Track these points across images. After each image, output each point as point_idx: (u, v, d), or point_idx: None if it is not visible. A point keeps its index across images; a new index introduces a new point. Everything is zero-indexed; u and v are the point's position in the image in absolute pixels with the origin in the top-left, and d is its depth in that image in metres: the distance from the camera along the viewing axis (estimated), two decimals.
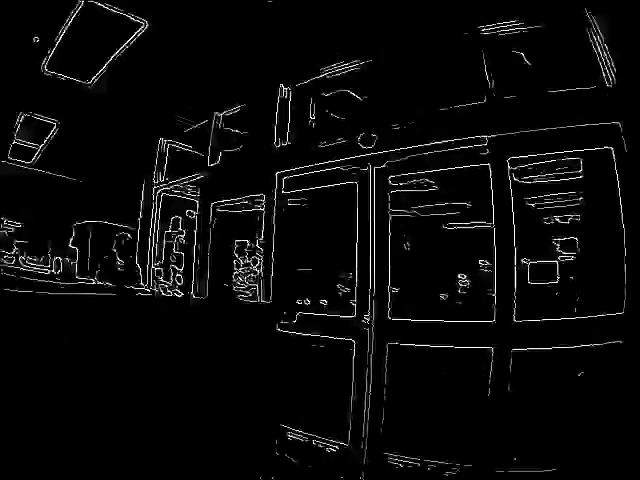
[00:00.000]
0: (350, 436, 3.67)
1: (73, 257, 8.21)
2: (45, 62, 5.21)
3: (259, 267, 4.37)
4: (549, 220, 3.30)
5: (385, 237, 3.68)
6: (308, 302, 4.08)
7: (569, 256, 3.20)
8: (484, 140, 3.34)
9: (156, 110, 6.56)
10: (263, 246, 4.32)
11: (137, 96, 6.14)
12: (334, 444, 3.74)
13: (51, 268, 7.91)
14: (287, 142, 4.73)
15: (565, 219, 3.27)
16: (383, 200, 3.72)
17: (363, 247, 3.75)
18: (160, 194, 6.78)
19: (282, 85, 4.98)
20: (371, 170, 3.81)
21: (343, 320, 3.77)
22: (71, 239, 9.60)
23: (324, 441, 3.80)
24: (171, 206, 6.71)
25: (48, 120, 6.49)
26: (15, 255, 7.84)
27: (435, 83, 3.86)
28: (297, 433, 3.94)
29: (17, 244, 8.84)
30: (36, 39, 4.91)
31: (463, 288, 3.55)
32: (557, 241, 3.27)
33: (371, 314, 3.63)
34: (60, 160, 7.86)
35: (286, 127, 4.83)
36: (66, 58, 5.13)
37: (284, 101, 4.92)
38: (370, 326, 3.63)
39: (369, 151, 3.81)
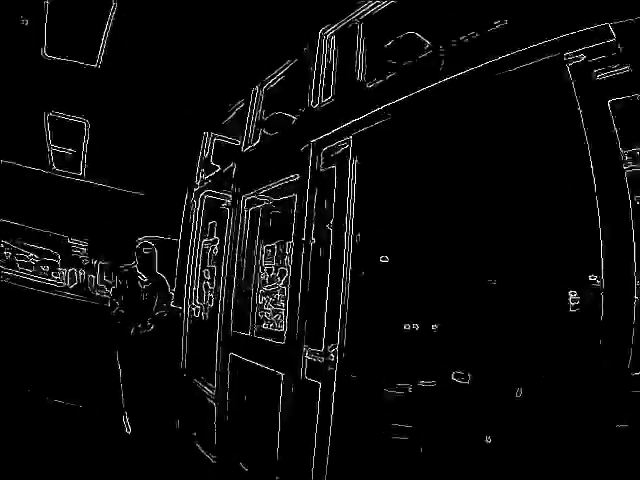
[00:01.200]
0: None
1: (90, 270, 7.42)
2: (44, 46, 4.26)
3: (286, 282, 2.92)
4: None
5: None
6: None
7: None
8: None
9: (196, 98, 5.42)
10: (293, 250, 2.86)
11: (166, 83, 5.03)
12: None
13: (66, 281, 7.17)
14: (329, 100, 3.27)
15: None
16: None
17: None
18: (202, 197, 5.61)
19: (322, 30, 3.54)
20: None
21: None
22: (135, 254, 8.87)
23: None
24: (215, 211, 5.51)
25: (76, 119, 5.59)
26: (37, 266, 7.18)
27: None
28: None
29: (87, 263, 8.19)
30: (24, 21, 3.98)
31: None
32: None
33: None
34: (108, 169, 7.04)
35: (330, 82, 3.38)
36: (61, 37, 4.14)
37: (325, 50, 3.48)
38: None
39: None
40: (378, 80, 2.64)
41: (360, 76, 3.08)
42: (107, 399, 4.54)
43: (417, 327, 2.50)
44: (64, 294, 6.67)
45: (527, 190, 2.04)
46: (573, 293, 1.95)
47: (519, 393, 2.05)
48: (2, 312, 5.68)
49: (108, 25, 3.67)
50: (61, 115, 5.53)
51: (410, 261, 2.58)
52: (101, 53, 4.02)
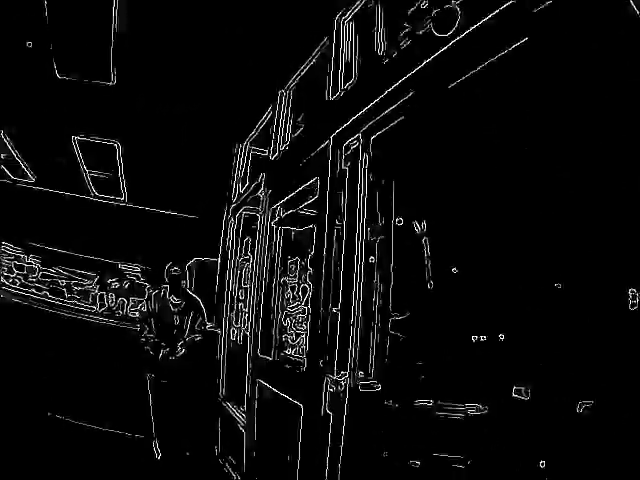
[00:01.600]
0: None
1: (122, 294, 7.30)
2: (54, 66, 4.14)
3: (308, 301, 2.51)
4: None
5: None
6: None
7: None
8: None
9: (226, 108, 5.14)
10: (313, 265, 2.45)
11: (191, 95, 4.79)
12: None
13: (103, 305, 7.08)
14: (347, 87, 2.86)
15: None
16: None
17: None
18: (240, 213, 5.33)
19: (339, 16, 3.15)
20: None
21: None
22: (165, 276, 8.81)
23: None
24: (250, 227, 5.21)
25: (106, 142, 5.49)
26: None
27: None
28: None
29: (117, 286, 8.16)
30: (29, 44, 3.90)
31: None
32: None
33: None
34: (147, 191, 6.95)
35: (350, 69, 2.98)
36: (69, 55, 3.99)
37: (343, 37, 3.09)
38: None
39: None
40: (394, 52, 2.20)
41: (378, 53, 2.65)
42: (137, 424, 4.40)
43: (484, 337, 2.08)
44: (99, 319, 6.64)
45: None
46: (633, 291, 1.50)
47: (581, 408, 1.63)
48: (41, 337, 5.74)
49: (114, 39, 3.47)
50: (90, 138, 5.44)
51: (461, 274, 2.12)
52: (114, 70, 3.83)
